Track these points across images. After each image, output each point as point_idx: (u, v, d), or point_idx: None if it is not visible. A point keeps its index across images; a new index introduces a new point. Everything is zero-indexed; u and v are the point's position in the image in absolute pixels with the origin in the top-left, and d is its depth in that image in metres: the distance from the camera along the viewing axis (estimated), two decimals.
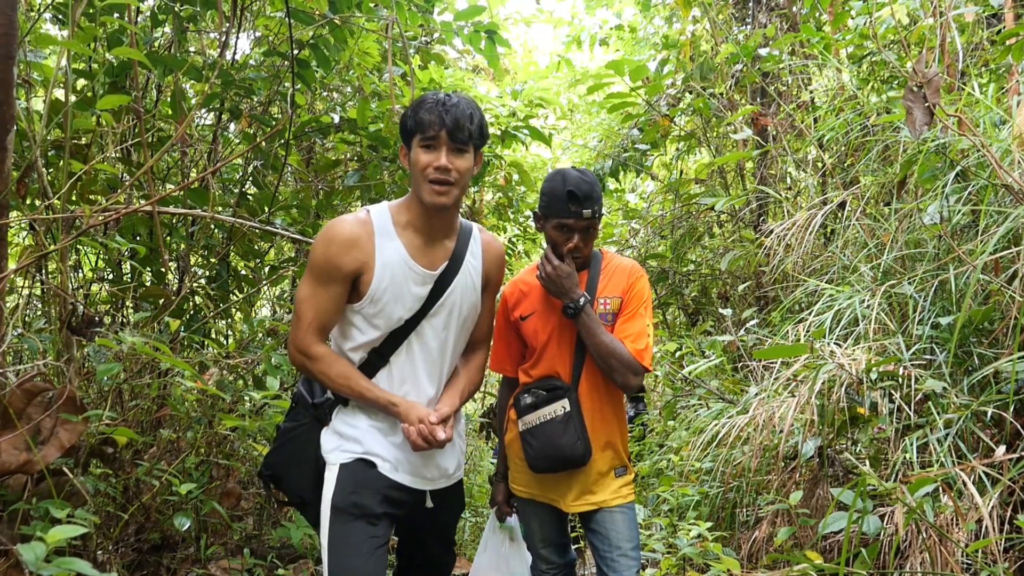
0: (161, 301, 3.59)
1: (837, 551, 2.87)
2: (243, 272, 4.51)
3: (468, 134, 1.99)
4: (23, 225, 3.61)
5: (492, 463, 5.98)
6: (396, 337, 2.07)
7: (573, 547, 2.70)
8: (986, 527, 2.23)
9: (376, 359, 2.08)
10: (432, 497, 2.16)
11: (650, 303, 2.42)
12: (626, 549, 2.35)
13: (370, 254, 2.01)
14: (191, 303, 4.01)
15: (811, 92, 5.60)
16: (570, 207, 2.26)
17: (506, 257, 2.61)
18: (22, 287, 3.84)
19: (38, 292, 3.82)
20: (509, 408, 2.52)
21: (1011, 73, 3.93)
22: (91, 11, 3.10)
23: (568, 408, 2.33)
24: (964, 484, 2.35)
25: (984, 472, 2.43)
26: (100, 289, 4.04)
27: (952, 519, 2.38)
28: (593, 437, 2.36)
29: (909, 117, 2.67)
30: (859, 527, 2.20)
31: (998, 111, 3.41)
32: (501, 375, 2.61)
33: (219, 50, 3.90)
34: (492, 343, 2.46)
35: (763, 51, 5.34)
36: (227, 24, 3.80)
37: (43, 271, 3.51)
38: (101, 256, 3.93)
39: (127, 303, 3.93)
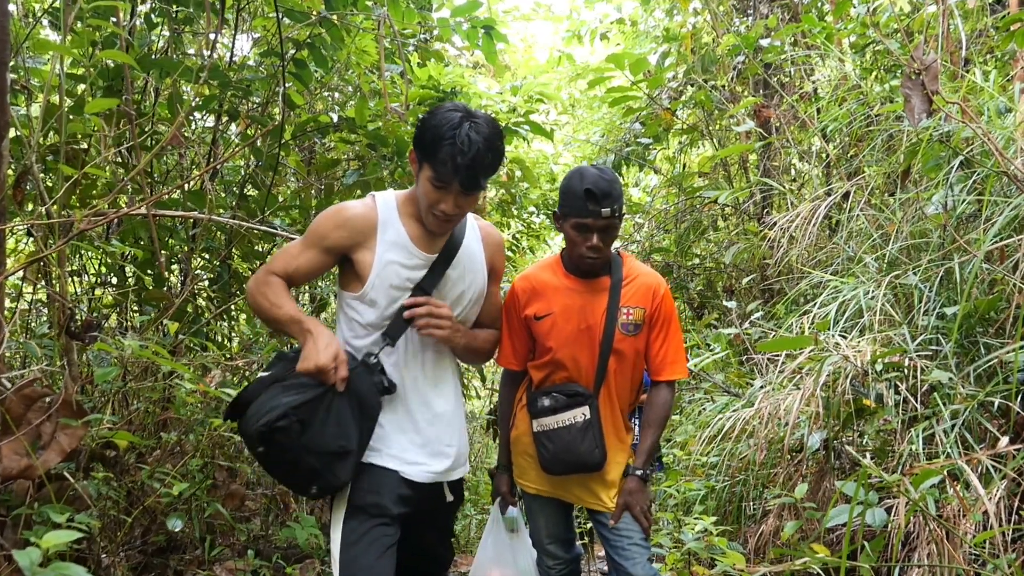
0: (163, 304, 3.59)
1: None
2: (244, 273, 4.51)
3: (481, 185, 2.00)
4: (23, 230, 3.61)
5: None
6: (400, 321, 2.07)
7: (578, 542, 2.69)
8: (992, 518, 2.21)
9: (381, 341, 2.09)
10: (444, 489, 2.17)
11: (677, 314, 2.45)
12: (637, 539, 2.35)
13: (371, 238, 2.05)
14: (193, 305, 4.00)
15: (814, 83, 5.55)
16: (588, 206, 2.22)
17: (510, 253, 2.64)
18: (24, 292, 3.84)
19: (41, 298, 3.82)
20: (519, 406, 2.51)
21: (1015, 60, 3.89)
22: (85, 15, 3.09)
23: (588, 416, 2.33)
24: (970, 475, 2.33)
25: (991, 464, 2.40)
26: (103, 293, 4.04)
27: (958, 511, 2.35)
28: (608, 442, 2.36)
29: (907, 105, 2.65)
30: (862, 519, 2.18)
31: (1002, 99, 3.37)
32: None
33: (210, 50, 3.88)
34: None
35: (765, 42, 5.30)
36: (217, 24, 3.78)
37: (47, 277, 3.51)
38: (103, 261, 3.94)
39: (131, 307, 3.93)
